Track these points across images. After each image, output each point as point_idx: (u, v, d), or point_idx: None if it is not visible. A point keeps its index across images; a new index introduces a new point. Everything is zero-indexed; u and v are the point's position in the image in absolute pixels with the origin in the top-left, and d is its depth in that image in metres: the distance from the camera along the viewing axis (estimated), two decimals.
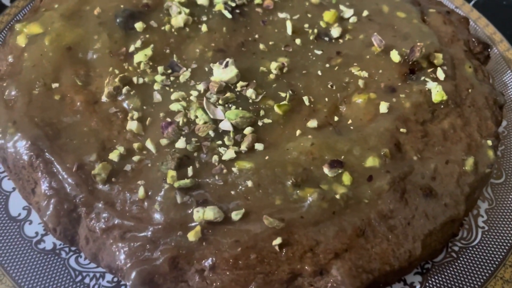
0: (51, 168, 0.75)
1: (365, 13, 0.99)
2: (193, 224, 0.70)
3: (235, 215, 0.70)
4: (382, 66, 0.88)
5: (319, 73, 0.87)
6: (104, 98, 0.81)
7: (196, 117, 0.78)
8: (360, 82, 0.85)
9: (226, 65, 0.83)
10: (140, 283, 0.68)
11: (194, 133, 0.76)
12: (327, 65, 0.89)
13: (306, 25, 0.95)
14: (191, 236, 0.68)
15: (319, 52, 0.91)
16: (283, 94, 0.82)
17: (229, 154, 0.74)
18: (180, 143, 0.75)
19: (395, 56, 0.89)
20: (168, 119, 0.78)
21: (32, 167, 0.75)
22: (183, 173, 0.73)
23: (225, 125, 0.77)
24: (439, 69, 0.89)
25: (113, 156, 0.75)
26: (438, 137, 0.80)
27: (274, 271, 0.68)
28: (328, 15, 0.97)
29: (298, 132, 0.77)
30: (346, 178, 0.72)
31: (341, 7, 1.00)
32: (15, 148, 0.76)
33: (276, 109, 0.80)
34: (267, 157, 0.74)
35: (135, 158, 0.75)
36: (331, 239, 0.69)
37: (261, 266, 0.68)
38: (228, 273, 0.68)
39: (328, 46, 0.93)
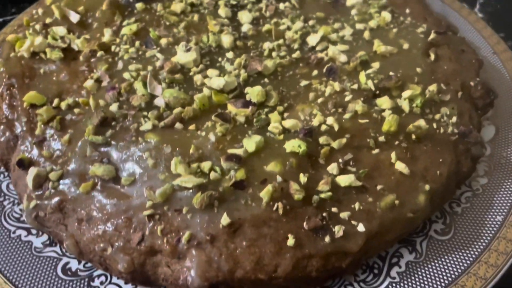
0: (13, 101, 0.86)
1: (366, 34, 0.95)
2: (88, 177, 0.75)
3: (125, 180, 0.73)
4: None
5: (279, 77, 0.86)
6: (81, 58, 0.91)
7: (137, 88, 0.83)
8: (311, 95, 0.82)
9: (189, 50, 0.87)
10: (29, 214, 0.75)
11: (129, 101, 0.82)
12: (291, 72, 0.87)
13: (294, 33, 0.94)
14: (82, 187, 0.73)
15: (291, 58, 0.90)
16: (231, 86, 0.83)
17: (146, 125, 0.77)
18: (113, 107, 0.81)
19: (362, 78, 0.84)
20: (117, 85, 0.84)
21: (2, 97, 0.88)
22: (102, 131, 0.78)
23: (159, 102, 0.81)
24: (406, 101, 0.81)
25: (62, 104, 0.84)
26: (367, 165, 0.74)
27: (137, 240, 0.69)
28: (323, 29, 0.95)
29: (215, 117, 0.77)
30: (240, 175, 0.70)
31: (345, 24, 0.98)
32: None
33: (213, 97, 0.81)
34: (176, 136, 0.76)
35: (76, 110, 0.83)
36: (199, 227, 0.68)
37: (127, 232, 0.70)
38: (98, 228, 0.71)
39: (304, 52, 0.91)
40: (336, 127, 0.76)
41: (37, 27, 0.96)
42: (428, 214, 0.74)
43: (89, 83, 0.86)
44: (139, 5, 0.99)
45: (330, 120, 0.77)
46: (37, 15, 1.01)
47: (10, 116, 0.85)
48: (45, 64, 0.91)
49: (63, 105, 0.84)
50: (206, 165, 0.71)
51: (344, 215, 0.69)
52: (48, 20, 0.98)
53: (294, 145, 0.73)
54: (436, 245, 0.75)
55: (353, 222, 0.69)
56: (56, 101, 0.85)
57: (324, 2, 1.05)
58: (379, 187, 0.71)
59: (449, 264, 0.72)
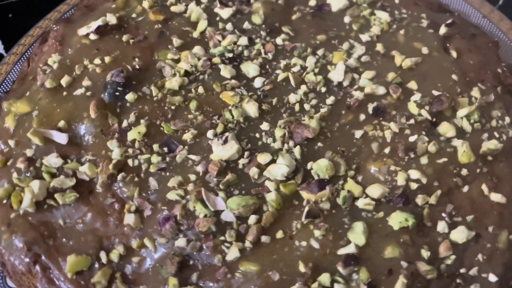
0: (49, 274, 0.71)
1: (379, 46, 0.89)
2: None
3: None
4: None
5: (328, 134, 0.79)
6: (98, 188, 0.76)
7: (196, 209, 0.71)
8: (375, 146, 0.77)
9: (226, 141, 0.76)
10: None
11: (194, 228, 0.70)
12: (337, 124, 0.80)
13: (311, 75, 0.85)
14: None
15: (328, 106, 0.82)
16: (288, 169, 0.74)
17: (233, 253, 0.68)
18: (180, 242, 0.70)
19: (413, 109, 0.80)
20: (166, 211, 0.72)
21: (31, 273, 0.72)
22: (185, 276, 0.68)
23: (228, 216, 0.71)
24: (464, 119, 0.79)
25: (113, 257, 0.71)
26: (467, 208, 0.72)
27: None
28: (338, 57, 0.88)
29: (305, 219, 0.70)
30: (364, 276, 0.65)
31: (350, 41, 0.91)
32: (12, 254, 0.73)
33: (282, 189, 0.73)
34: (274, 256, 0.68)
35: (135, 259, 0.71)
36: None
37: None
38: None
39: (337, 97, 0.83)
40: (424, 180, 0.72)
41: (20, 166, 0.78)
42: None
43: (130, 219, 0.73)
44: (130, 97, 0.82)
45: (414, 174, 0.73)
46: (8, 148, 0.81)
47: None
48: (58, 210, 0.75)
49: (114, 257, 0.71)
50: (325, 279, 0.65)
51: (473, 271, 0.68)
52: (29, 152, 0.79)
53: (400, 220, 0.68)
54: None
55: (483, 275, 0.68)
56: (103, 256, 0.71)
57: (310, 16, 0.96)
58: (490, 228, 0.71)
59: None
